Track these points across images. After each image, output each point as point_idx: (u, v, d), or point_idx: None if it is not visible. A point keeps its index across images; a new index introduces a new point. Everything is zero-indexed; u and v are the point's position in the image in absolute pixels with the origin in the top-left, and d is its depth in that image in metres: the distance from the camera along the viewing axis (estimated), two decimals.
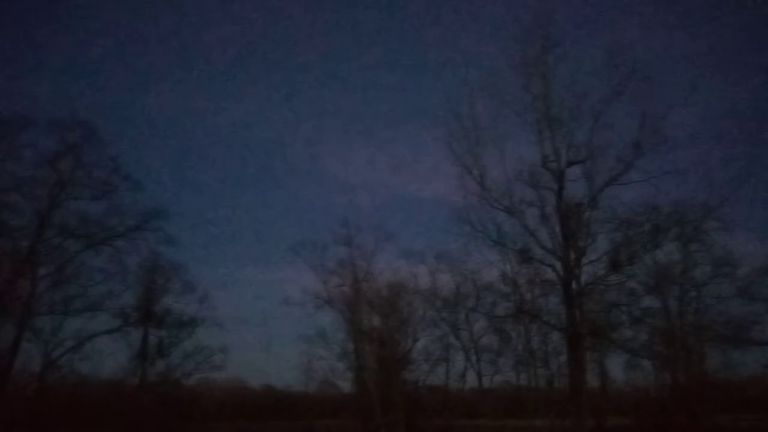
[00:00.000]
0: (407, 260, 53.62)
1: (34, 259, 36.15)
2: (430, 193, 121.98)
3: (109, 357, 51.13)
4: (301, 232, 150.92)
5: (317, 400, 76.39)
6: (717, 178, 28.47)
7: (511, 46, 28.54)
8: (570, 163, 27.35)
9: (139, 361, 47.44)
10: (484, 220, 28.85)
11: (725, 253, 40.17)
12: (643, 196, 27.94)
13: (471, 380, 56.30)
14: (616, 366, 49.09)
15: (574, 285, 27.43)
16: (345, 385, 65.64)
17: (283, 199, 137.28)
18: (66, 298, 38.91)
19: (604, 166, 27.05)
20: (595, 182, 27.24)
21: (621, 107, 26.46)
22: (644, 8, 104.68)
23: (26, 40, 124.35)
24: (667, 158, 26.52)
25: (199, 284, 49.53)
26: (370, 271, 51.26)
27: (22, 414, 38.52)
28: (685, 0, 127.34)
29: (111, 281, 40.11)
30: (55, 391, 42.22)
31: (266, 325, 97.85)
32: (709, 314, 41.88)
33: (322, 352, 55.43)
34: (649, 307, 41.15)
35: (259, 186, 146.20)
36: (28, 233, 36.11)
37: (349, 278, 50.74)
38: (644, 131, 25.89)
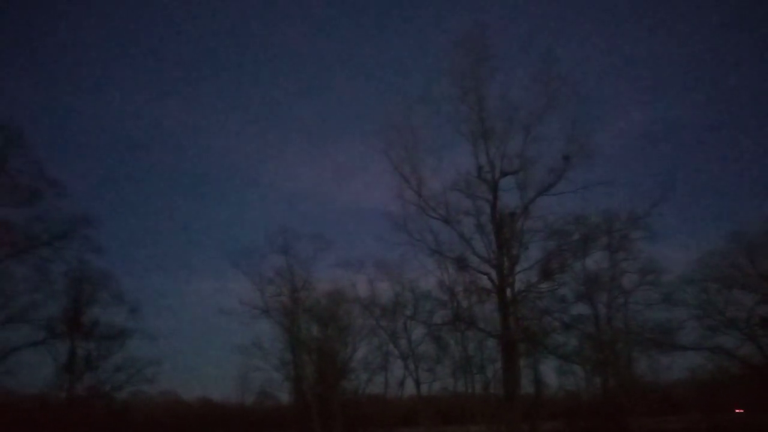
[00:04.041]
0: (346, 269, 53.25)
1: None
2: (372, 203, 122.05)
3: (34, 370, 48.68)
4: (239, 241, 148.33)
5: (255, 412, 75.13)
6: (642, 190, 29.75)
7: (446, 58, 29.14)
8: (504, 174, 28.07)
9: (66, 374, 45.41)
10: (422, 229, 29.31)
11: (650, 261, 42.06)
12: (573, 207, 28.97)
13: (409, 388, 56.45)
14: (549, 371, 50.28)
15: (508, 292, 28.13)
16: (283, 396, 64.84)
17: (221, 207, 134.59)
18: None
19: (537, 177, 27.96)
20: (527, 193, 28.18)
21: (553, 120, 27.39)
22: (578, 25, 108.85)
23: None
24: (595, 170, 27.57)
25: (131, 294, 47.65)
26: (309, 279, 50.71)
27: None
28: (618, 17, 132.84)
29: (35, 291, 38.21)
30: None
31: (202, 336, 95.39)
32: (637, 320, 43.52)
33: (260, 363, 54.79)
34: (580, 313, 42.50)
35: (197, 193, 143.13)
36: None
37: (288, 287, 50.10)
38: (573, 144, 26.86)
